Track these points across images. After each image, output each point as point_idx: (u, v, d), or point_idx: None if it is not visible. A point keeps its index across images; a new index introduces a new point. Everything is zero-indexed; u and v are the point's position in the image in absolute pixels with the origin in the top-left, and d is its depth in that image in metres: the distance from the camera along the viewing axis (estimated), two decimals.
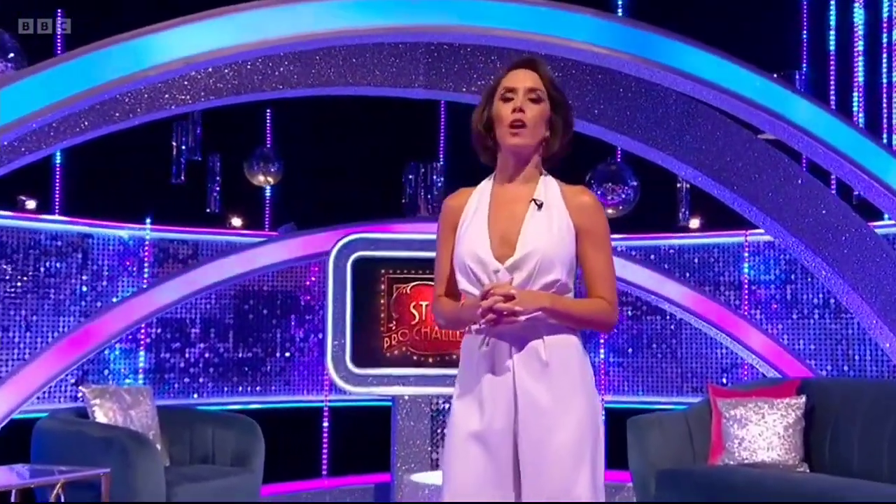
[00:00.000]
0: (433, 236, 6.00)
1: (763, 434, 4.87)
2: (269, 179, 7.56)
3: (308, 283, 7.12)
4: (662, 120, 5.96)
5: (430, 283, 5.95)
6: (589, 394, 2.40)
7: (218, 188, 7.39)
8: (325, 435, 6.95)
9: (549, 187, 2.46)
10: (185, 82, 5.24)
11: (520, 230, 2.39)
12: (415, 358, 5.86)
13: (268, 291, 7.01)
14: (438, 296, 2.55)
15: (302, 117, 8.03)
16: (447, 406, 5.77)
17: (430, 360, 5.86)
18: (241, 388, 6.97)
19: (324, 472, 6.88)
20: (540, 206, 2.41)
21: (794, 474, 4.71)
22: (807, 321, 7.43)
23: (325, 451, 6.94)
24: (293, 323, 7.13)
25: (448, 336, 5.87)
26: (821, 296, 7.35)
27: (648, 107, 5.92)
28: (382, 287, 5.89)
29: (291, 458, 6.85)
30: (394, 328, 5.88)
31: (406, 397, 5.84)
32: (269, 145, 7.85)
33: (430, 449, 5.71)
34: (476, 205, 2.47)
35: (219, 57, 4.48)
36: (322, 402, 7.00)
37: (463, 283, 2.42)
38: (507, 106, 2.40)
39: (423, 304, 5.91)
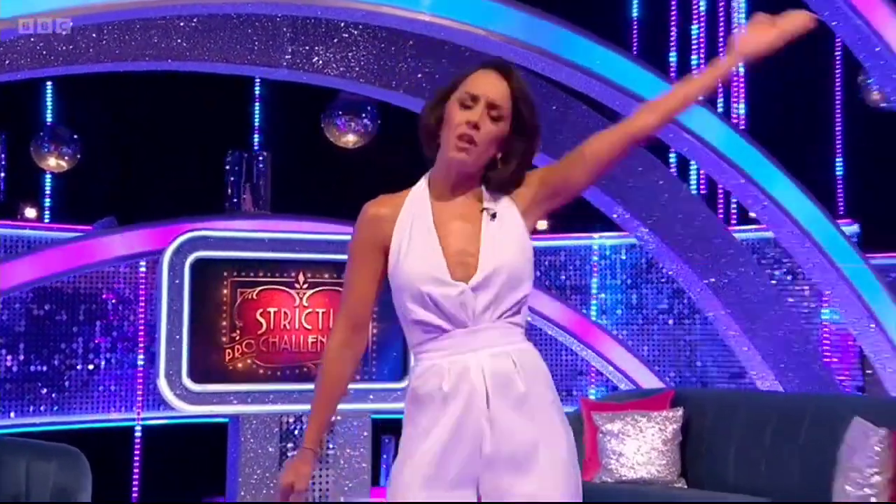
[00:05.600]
0: (284, 235, 6.21)
1: (641, 448, 5.20)
2: (63, 164, 7.44)
3: (117, 284, 7.07)
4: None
5: (280, 286, 6.22)
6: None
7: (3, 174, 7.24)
8: (137, 458, 6.98)
9: (494, 193, 2.42)
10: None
11: (478, 247, 2.35)
12: (261, 371, 5.88)
13: (69, 294, 6.89)
14: (338, 330, 2.45)
15: (95, 94, 7.85)
16: (298, 425, 6.01)
17: (280, 373, 5.90)
18: (32, 408, 6.73)
19: (133, 500, 6.90)
20: (493, 217, 2.38)
21: (674, 490, 5.09)
22: (651, 326, 8.28)
23: (135, 476, 6.97)
24: (98, 330, 7.02)
25: (299, 346, 5.98)
26: (666, 301, 8.24)
27: None
28: (225, 292, 5.85)
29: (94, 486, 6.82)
30: (237, 338, 5.86)
31: (252, 416, 5.85)
32: (49, 123, 7.68)
33: (277, 471, 5.72)
34: (412, 217, 2.37)
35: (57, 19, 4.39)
36: (134, 420, 7.01)
37: (418, 313, 2.33)
38: (462, 114, 2.32)
39: (272, 310, 5.92)
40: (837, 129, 9.34)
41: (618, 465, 5.21)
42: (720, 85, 8.14)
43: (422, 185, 2.43)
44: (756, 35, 2.46)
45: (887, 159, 8.10)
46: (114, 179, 7.94)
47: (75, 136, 7.36)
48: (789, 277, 8.15)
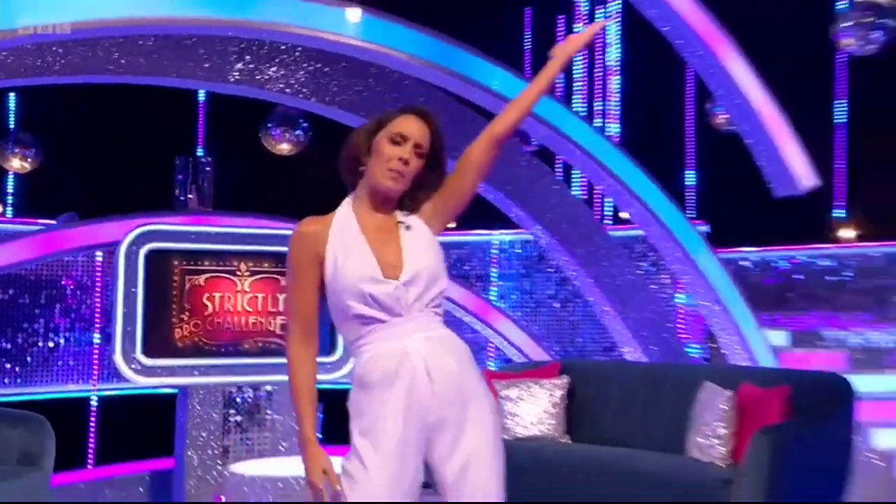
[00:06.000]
0: (227, 230, 6.18)
1: (533, 411, 5.21)
2: (26, 165, 7.26)
3: (75, 272, 6.94)
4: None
5: (224, 274, 6.16)
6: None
7: None
8: (93, 425, 6.85)
9: (404, 210, 2.52)
10: None
11: (402, 253, 2.44)
12: (207, 348, 5.82)
13: (31, 280, 6.73)
14: (295, 338, 2.45)
15: (57, 103, 7.68)
16: (239, 394, 5.97)
17: (223, 349, 5.86)
18: None
19: (89, 463, 6.78)
20: (408, 228, 2.47)
21: (561, 445, 5.11)
22: (541, 309, 8.45)
23: (91, 441, 6.84)
24: (57, 312, 6.88)
25: (241, 326, 5.94)
26: (553, 288, 8.42)
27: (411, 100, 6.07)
28: (175, 279, 5.78)
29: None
30: (186, 319, 5.79)
31: (199, 387, 5.78)
32: (13, 128, 7.52)
33: (221, 435, 5.75)
34: (342, 233, 2.44)
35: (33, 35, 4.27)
36: (90, 391, 6.88)
37: (360, 309, 2.39)
38: (394, 149, 2.41)
39: (217, 295, 5.87)
40: (689, 146, 9.66)
41: (514, 424, 5.24)
42: (596, 99, 8.37)
43: (346, 207, 2.49)
44: (567, 45, 2.64)
45: (730, 172, 8.41)
46: (73, 180, 7.77)
47: (37, 141, 7.17)
48: (654, 268, 8.41)
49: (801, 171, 6.62)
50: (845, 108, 10.37)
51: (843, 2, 7.03)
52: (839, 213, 10.51)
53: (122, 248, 5.73)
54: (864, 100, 10.19)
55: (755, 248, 9.01)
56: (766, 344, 6.95)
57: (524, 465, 4.80)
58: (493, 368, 7.45)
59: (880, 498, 5.95)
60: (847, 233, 9.66)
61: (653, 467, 4.50)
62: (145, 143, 7.99)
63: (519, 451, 4.97)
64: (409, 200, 2.50)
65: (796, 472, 4.15)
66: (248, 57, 5.62)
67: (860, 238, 9.33)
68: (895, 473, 6.18)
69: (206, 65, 5.58)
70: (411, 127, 2.45)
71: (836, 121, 10.26)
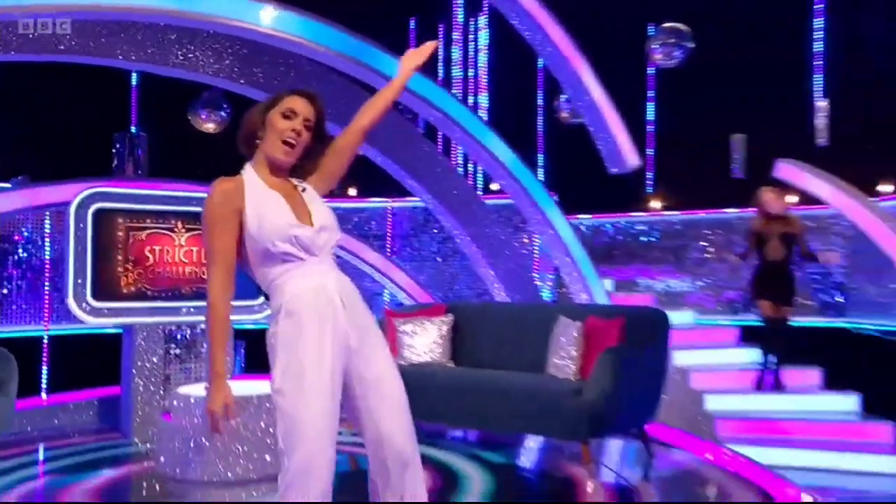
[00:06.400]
0: (165, 193, 5.99)
1: (424, 342, 5.28)
2: None
3: (25, 228, 6.56)
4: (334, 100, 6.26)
5: (163, 231, 5.96)
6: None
7: None
8: (45, 360, 6.53)
9: (296, 177, 2.47)
10: None
11: (308, 208, 2.41)
12: (149, 293, 5.64)
13: None
14: (218, 282, 2.31)
15: (11, 81, 7.17)
16: (177, 332, 5.82)
17: (162, 294, 5.70)
18: None
19: (43, 392, 6.48)
20: (304, 191, 2.43)
21: (447, 369, 5.18)
22: (428, 263, 8.57)
23: (43, 374, 6.52)
24: (10, 264, 6.52)
25: (178, 274, 5.75)
26: (436, 246, 8.54)
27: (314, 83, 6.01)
28: (120, 234, 5.53)
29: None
30: (130, 269, 5.57)
31: (142, 325, 5.57)
32: None
33: (163, 366, 5.59)
34: (254, 190, 2.36)
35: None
36: (42, 331, 6.55)
37: (285, 247, 2.33)
38: (286, 123, 2.36)
39: (157, 248, 5.67)
40: (540, 131, 9.94)
41: (410, 353, 5.31)
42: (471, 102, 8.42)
43: (250, 171, 2.40)
44: (409, 59, 2.67)
45: (571, 155, 8.69)
46: (27, 151, 7.31)
47: None
48: (518, 230, 8.63)
49: (629, 154, 6.91)
50: (654, 108, 10.90)
51: (653, 27, 7.46)
52: (649, 189, 11.07)
53: (73, 207, 5.43)
54: (667, 101, 10.71)
55: (589, 216, 9.39)
56: (602, 288, 7.27)
57: (418, 386, 4.73)
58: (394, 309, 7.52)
59: (680, 400, 6.26)
60: (655, 204, 10.15)
61: (520, 383, 4.61)
62: (86, 118, 7.58)
63: (413, 374, 4.99)
64: (300, 169, 2.45)
65: (629, 382, 4.33)
66: (185, 41, 5.40)
67: (664, 208, 9.82)
68: (690, 384, 6.58)
69: (149, 50, 5.35)
70: (300, 105, 2.39)
71: (647, 117, 10.77)
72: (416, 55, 2.68)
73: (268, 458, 4.29)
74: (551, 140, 10.06)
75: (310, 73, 6.01)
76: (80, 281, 5.44)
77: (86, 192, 5.51)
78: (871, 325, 8.34)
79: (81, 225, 5.48)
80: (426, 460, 4.44)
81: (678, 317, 6.83)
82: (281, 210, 2.36)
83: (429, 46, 2.73)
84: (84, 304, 5.48)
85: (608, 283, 7.81)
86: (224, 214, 2.31)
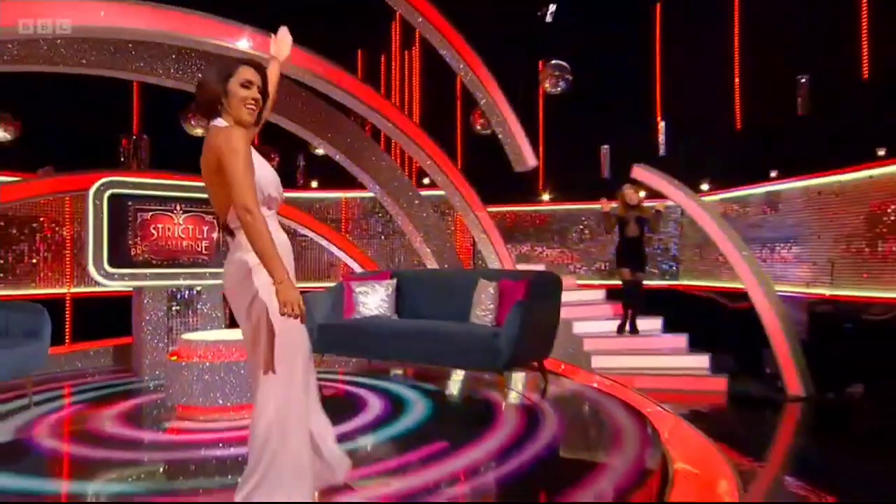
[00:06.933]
0: (167, 181, 5.78)
1: (375, 300, 5.24)
2: (7, 136, 6.35)
3: (50, 211, 6.20)
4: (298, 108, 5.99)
5: (165, 212, 5.73)
6: None
7: None
8: (68, 316, 6.22)
9: None
10: None
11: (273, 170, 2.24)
12: (154, 262, 5.42)
13: (18, 217, 5.98)
14: (258, 209, 2.02)
15: (31, 90, 6.67)
16: (178, 293, 5.64)
17: (166, 262, 5.46)
18: None
19: (66, 341, 6.18)
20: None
21: (393, 320, 5.13)
22: (374, 240, 8.50)
23: (67, 328, 6.23)
24: (37, 239, 6.17)
25: (178, 247, 5.53)
26: (381, 227, 8.48)
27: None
28: (130, 215, 5.30)
29: None
30: (139, 242, 5.32)
31: (149, 287, 5.41)
32: None
33: (166, 319, 5.43)
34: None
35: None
36: (64, 292, 6.23)
37: (276, 195, 2.19)
38: (247, 92, 2.18)
39: (160, 226, 5.42)
40: (461, 140, 9.93)
41: (364, 308, 5.22)
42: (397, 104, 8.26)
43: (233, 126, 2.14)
44: (276, 48, 2.57)
45: (485, 158, 8.75)
46: (49, 150, 6.87)
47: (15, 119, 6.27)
48: (445, 215, 8.67)
49: (529, 157, 7.02)
50: (544, 122, 11.07)
51: (545, 61, 7.58)
52: (540, 184, 11.27)
53: (92, 193, 5.19)
54: (554, 118, 10.91)
55: (499, 206, 9.51)
56: (509, 258, 7.37)
57: (370, 332, 4.87)
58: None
59: (566, 341, 6.43)
60: (545, 197, 10.36)
61: (450, 329, 4.60)
62: (98, 121, 7.18)
63: (366, 324, 5.01)
64: (254, 126, 2.26)
65: (533, 328, 4.43)
66: (173, 56, 5.15)
67: (552, 201, 10.04)
68: (573, 331, 6.81)
69: (144, 62, 5.06)
70: (251, 74, 2.20)
71: (540, 130, 10.94)
72: (282, 44, 2.55)
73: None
74: (467, 145, 10.11)
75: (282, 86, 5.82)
76: (97, 251, 5.20)
77: (101, 181, 5.26)
78: (697, 285, 8.80)
79: (99, 207, 5.23)
80: (379, 391, 4.51)
81: (563, 282, 6.99)
82: (266, 164, 2.20)
83: (281, 32, 2.60)
84: (101, 271, 5.24)
85: (513, 255, 7.94)
86: (248, 149, 2.08)
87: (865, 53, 7.22)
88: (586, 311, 7.11)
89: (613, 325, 6.80)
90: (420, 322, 4.91)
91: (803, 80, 7.73)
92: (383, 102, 5.74)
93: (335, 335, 4.92)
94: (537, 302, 4.59)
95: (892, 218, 6.07)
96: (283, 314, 1.98)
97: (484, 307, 4.78)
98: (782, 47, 8.10)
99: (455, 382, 5.09)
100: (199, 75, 2.26)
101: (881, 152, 6.62)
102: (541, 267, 7.86)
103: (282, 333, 2.12)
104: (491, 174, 8.18)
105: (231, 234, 2.19)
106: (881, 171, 6.21)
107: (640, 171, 6.39)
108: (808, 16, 7.73)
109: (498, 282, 4.80)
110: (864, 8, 7.34)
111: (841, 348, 6.21)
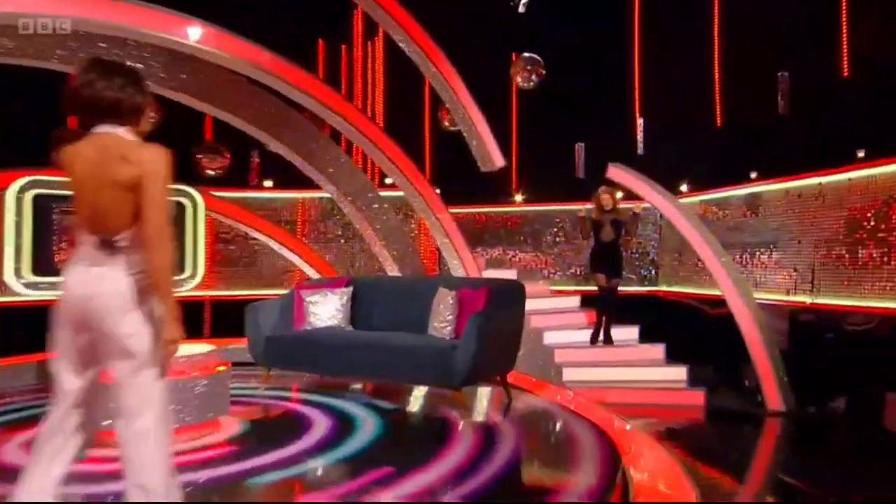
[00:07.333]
0: None
1: (328, 310, 5.03)
2: None
3: None
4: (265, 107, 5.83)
5: None
6: None
7: None
8: None
9: None
10: None
11: None
12: None
13: None
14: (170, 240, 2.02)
15: None
16: None
17: None
18: None
19: None
20: None
21: (347, 331, 4.97)
22: (333, 244, 8.20)
23: None
24: None
25: None
26: (341, 230, 8.17)
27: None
28: (55, 216, 5.04)
29: None
30: (64, 246, 5.10)
31: None
32: None
33: None
34: None
35: None
36: None
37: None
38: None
39: None
40: (428, 137, 9.69)
41: (315, 319, 5.05)
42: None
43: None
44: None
45: (452, 157, 8.51)
46: None
47: None
48: (409, 218, 8.40)
49: (496, 156, 6.80)
50: (517, 119, 10.88)
51: (517, 55, 7.40)
52: (513, 184, 11.07)
53: (12, 192, 4.83)
54: (527, 114, 10.71)
55: (466, 207, 9.26)
56: (473, 264, 7.15)
57: (323, 345, 4.68)
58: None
59: (535, 352, 6.30)
60: (518, 197, 10.14)
61: (405, 342, 4.50)
62: (32, 112, 6.74)
63: (318, 336, 4.83)
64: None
65: (493, 339, 4.30)
66: (114, 50, 4.81)
67: (525, 202, 9.82)
68: (544, 341, 6.58)
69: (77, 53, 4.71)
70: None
71: (513, 127, 10.73)
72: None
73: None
74: (435, 144, 9.86)
75: (228, 83, 5.51)
76: (19, 258, 4.80)
77: (23, 180, 4.90)
78: (675, 291, 8.64)
79: (20, 208, 4.83)
80: (329, 409, 4.20)
81: (532, 287, 6.79)
82: None
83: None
84: (23, 279, 4.85)
85: (480, 260, 7.70)
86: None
87: (845, 51, 7.09)
88: (559, 319, 6.89)
89: (587, 335, 6.55)
90: (373, 334, 4.76)
91: (784, 77, 7.60)
92: (327, 92, 5.46)
93: (283, 348, 4.74)
94: (498, 312, 4.47)
95: (873, 223, 5.92)
96: (168, 352, 1.97)
97: (442, 318, 4.63)
98: (763, 43, 7.99)
99: (415, 399, 4.93)
100: (131, 79, 1.95)
101: (861, 154, 6.48)
102: (512, 273, 7.62)
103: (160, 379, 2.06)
104: (459, 172, 7.96)
105: (110, 249, 2.03)
106: (860, 174, 6.06)
107: (616, 171, 6.17)
108: (789, 11, 7.62)
109: (458, 290, 4.67)
110: (844, 5, 7.22)
111: (822, 359, 6.06)
